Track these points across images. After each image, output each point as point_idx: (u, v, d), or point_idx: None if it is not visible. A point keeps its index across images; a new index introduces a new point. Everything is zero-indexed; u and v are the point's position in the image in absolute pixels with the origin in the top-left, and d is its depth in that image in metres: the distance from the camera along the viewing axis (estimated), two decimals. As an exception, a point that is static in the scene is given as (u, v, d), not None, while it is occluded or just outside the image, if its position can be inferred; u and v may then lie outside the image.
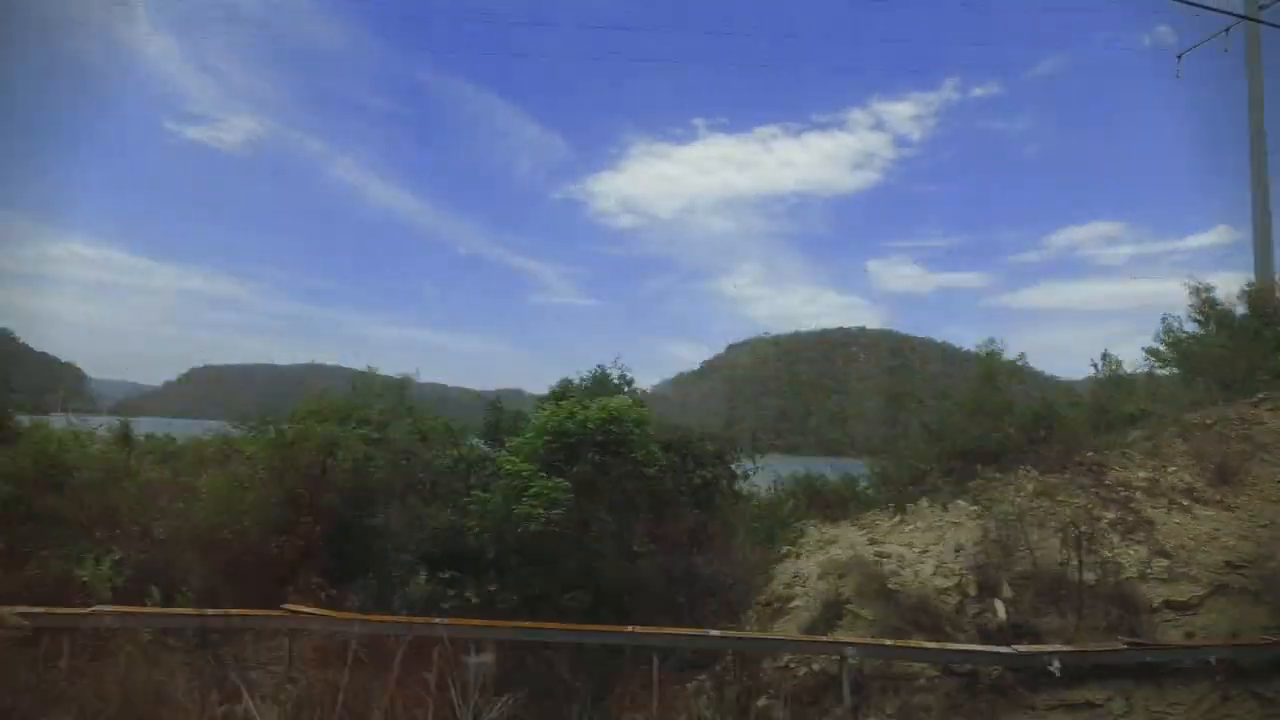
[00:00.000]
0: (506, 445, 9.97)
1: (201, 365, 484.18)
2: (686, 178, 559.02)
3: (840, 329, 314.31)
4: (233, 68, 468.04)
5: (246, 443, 10.24)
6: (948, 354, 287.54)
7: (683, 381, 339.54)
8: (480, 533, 8.65)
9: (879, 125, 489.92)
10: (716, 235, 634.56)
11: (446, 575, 8.35)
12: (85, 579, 7.86)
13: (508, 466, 8.90)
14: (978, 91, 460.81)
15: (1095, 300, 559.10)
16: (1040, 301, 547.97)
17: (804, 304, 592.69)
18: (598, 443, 9.09)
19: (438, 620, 6.94)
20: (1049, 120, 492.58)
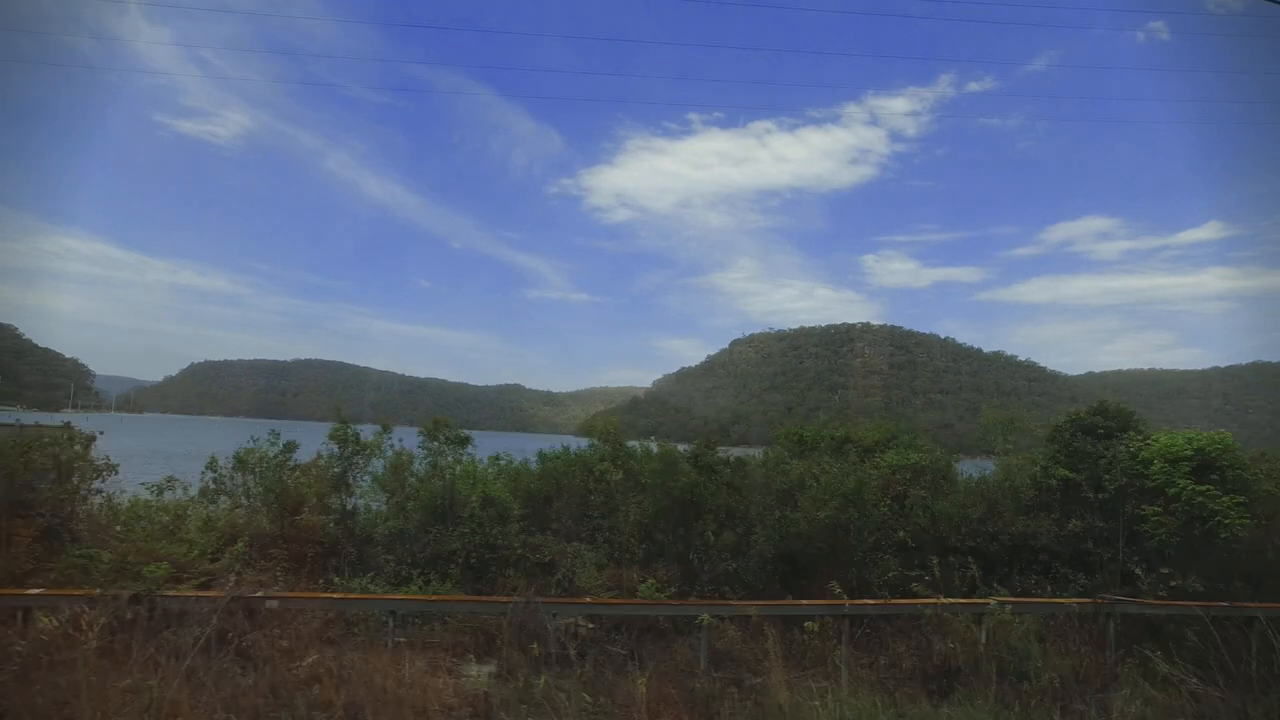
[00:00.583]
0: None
1: (201, 361, 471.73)
2: (682, 173, 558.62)
3: (844, 324, 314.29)
4: (225, 61, 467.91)
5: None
6: (951, 349, 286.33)
7: (686, 376, 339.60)
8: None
9: (874, 121, 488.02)
10: (712, 230, 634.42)
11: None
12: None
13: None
14: (973, 87, 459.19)
15: (1088, 295, 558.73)
16: (1034, 296, 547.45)
17: (799, 299, 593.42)
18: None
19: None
20: (1043, 116, 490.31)
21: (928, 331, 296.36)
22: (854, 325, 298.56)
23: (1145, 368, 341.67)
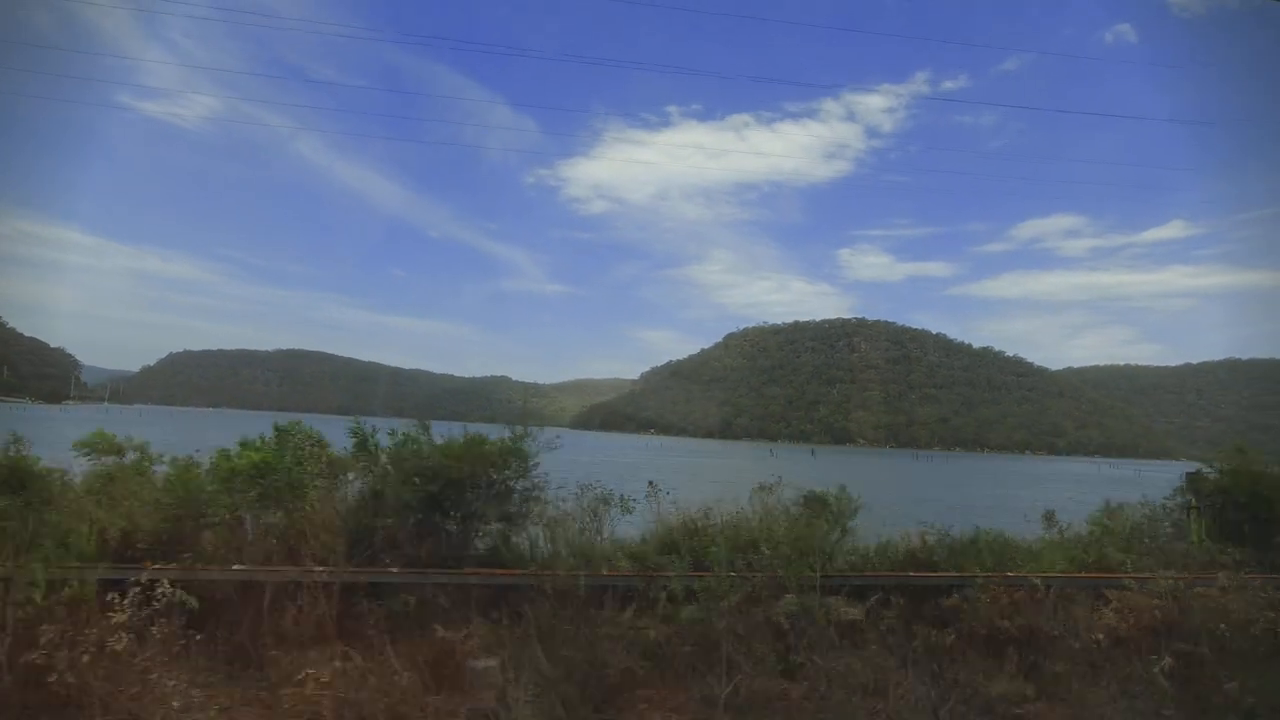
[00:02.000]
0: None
1: (180, 351, 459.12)
2: (660, 164, 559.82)
3: (839, 319, 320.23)
4: (192, 41, 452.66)
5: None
6: (943, 345, 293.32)
7: (680, 369, 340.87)
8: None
9: (851, 116, 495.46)
10: (689, 223, 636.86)
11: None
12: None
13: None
14: (947, 85, 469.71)
15: (1057, 291, 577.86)
16: (1004, 291, 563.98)
17: (775, 291, 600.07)
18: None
19: None
20: (1015, 114, 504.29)
21: (924, 328, 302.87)
22: (849, 320, 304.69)
23: (1120, 363, 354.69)
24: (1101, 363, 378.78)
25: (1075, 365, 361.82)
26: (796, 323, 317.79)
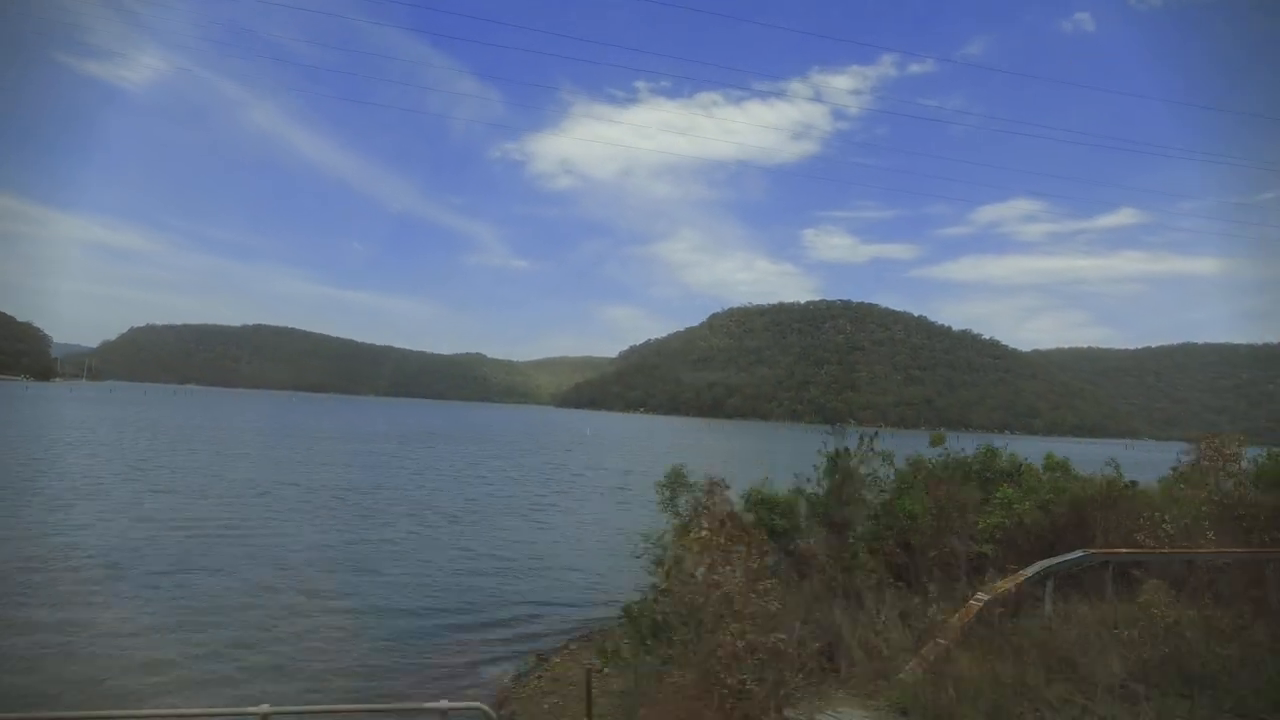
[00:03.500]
0: None
1: (142, 325, 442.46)
2: (627, 140, 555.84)
3: (824, 301, 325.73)
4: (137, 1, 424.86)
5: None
6: (925, 327, 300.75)
7: (664, 347, 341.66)
8: None
9: (818, 97, 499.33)
10: (656, 200, 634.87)
11: None
12: None
13: None
14: (913, 69, 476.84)
15: (1013, 275, 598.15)
16: (964, 274, 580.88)
17: (740, 270, 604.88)
18: None
19: None
20: (978, 99, 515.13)
21: (907, 310, 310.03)
22: (833, 303, 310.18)
23: (1083, 346, 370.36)
24: (1064, 345, 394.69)
25: (1042, 348, 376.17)
26: (781, 304, 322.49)
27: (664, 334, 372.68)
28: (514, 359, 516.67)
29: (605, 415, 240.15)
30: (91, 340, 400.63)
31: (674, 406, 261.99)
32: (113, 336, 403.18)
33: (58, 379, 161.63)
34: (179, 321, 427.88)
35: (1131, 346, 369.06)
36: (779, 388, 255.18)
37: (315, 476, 30.98)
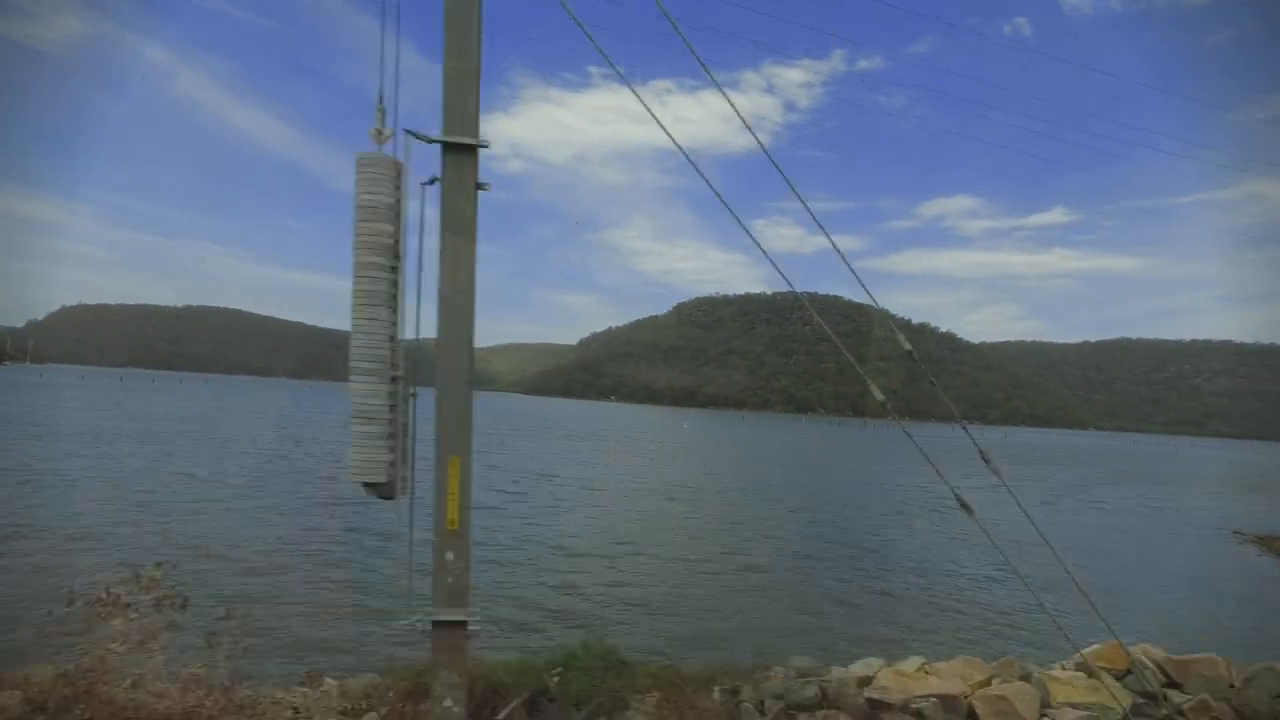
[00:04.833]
0: None
1: (74, 305, 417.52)
2: (579, 126, 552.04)
3: (790, 292, 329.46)
4: None
5: None
6: (886, 319, 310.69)
7: (634, 339, 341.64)
8: None
9: (770, 89, 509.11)
10: (609, 187, 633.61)
11: None
12: None
13: None
14: (863, 64, 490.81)
15: (954, 269, 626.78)
16: (909, 267, 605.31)
17: (691, 259, 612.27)
18: None
19: None
20: (924, 96, 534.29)
21: (869, 303, 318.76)
22: (800, 294, 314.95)
23: (1029, 339, 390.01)
24: (1004, 338, 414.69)
25: (987, 340, 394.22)
26: (748, 294, 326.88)
27: (619, 322, 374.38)
28: (476, 345, 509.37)
29: (583, 404, 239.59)
30: (15, 320, 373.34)
31: (647, 395, 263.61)
32: (40, 316, 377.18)
33: (8, 363, 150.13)
34: (114, 301, 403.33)
35: (1072, 340, 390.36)
36: (750, 377, 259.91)
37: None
